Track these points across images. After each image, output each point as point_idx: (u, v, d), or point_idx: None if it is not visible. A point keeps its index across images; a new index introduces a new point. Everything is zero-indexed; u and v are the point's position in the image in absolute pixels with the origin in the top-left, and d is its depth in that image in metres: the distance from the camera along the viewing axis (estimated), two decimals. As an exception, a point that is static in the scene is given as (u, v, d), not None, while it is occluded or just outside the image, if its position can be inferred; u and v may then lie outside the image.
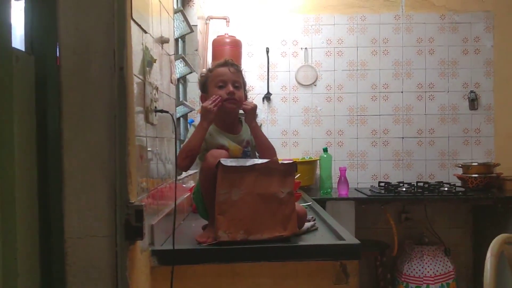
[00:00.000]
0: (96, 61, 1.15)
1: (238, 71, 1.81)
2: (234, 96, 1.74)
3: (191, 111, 2.93)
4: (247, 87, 1.87)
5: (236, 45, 3.40)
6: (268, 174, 1.57)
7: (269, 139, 1.82)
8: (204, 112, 1.70)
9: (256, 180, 1.55)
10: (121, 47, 1.17)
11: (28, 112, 1.10)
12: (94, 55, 1.15)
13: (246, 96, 1.86)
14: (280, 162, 1.66)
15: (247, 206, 1.54)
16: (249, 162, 1.57)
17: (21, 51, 1.10)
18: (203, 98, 1.85)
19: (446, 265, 3.39)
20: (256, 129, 1.79)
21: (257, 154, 1.83)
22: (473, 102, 3.77)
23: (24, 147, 1.07)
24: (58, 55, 1.15)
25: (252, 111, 1.77)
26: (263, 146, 1.79)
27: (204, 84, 1.83)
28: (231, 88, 1.75)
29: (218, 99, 1.70)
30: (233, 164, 1.54)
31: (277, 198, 1.56)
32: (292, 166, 1.63)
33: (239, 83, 1.79)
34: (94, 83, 1.16)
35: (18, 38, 1.17)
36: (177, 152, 1.71)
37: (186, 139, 1.75)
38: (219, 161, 1.53)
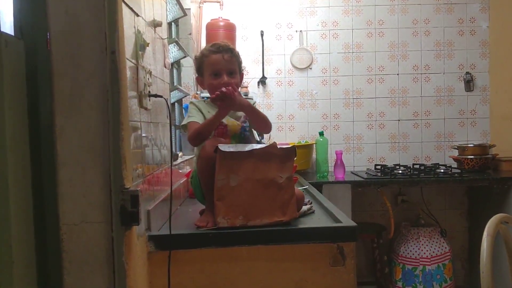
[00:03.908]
0: (87, 45, 1.13)
1: (233, 56, 1.80)
2: (228, 85, 1.73)
3: (185, 96, 2.91)
4: (243, 66, 1.87)
5: (230, 28, 3.36)
6: (266, 159, 1.56)
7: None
8: (222, 106, 1.66)
9: (255, 166, 1.54)
10: (112, 30, 1.15)
11: (19, 97, 1.08)
12: (85, 38, 1.13)
13: (242, 76, 1.87)
14: (278, 146, 1.64)
15: (246, 191, 1.53)
16: (247, 147, 1.56)
17: (10, 35, 1.08)
18: (199, 80, 1.89)
19: (442, 246, 3.41)
20: (248, 109, 1.75)
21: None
22: (469, 84, 3.77)
23: (16, 133, 1.06)
24: (48, 39, 1.13)
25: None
26: (258, 119, 1.77)
27: (200, 67, 1.85)
28: (225, 78, 1.75)
29: (227, 91, 1.65)
30: (231, 149, 1.53)
31: (276, 183, 1.56)
32: (291, 151, 1.61)
33: (234, 70, 1.79)
34: (85, 67, 1.14)
35: (7, 23, 1.15)
36: (172, 137, 1.71)
37: (191, 118, 1.75)
38: (217, 147, 1.52)
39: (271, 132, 3.63)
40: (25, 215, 1.09)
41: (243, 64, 1.90)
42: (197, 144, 1.75)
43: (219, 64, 1.76)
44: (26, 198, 1.10)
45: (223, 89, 1.63)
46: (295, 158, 1.64)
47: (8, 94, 1.02)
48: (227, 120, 1.76)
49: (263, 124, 1.78)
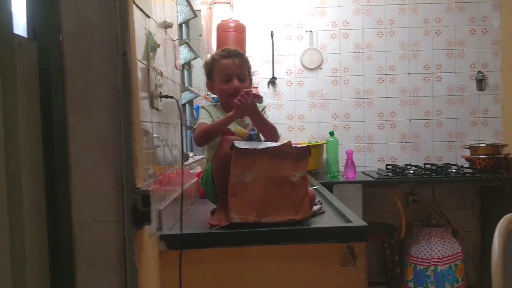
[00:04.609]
0: (99, 46, 1.15)
1: (243, 61, 1.82)
2: (238, 90, 1.74)
3: (196, 97, 2.92)
4: (252, 71, 1.89)
5: (240, 29, 3.37)
6: (281, 157, 1.57)
7: (274, 124, 1.83)
8: (240, 108, 1.68)
9: (269, 163, 1.55)
10: (123, 31, 1.16)
11: (32, 99, 1.10)
12: (97, 40, 1.15)
13: (251, 81, 1.89)
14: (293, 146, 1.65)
15: (260, 188, 1.54)
16: (263, 145, 1.59)
17: (23, 37, 1.10)
18: (209, 86, 1.91)
19: (454, 246, 3.39)
20: (257, 119, 1.76)
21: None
22: (481, 83, 3.73)
23: (29, 133, 1.08)
24: (60, 40, 1.15)
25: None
26: (264, 128, 1.78)
27: (210, 72, 1.87)
28: (236, 83, 1.78)
29: (244, 95, 1.68)
30: (247, 147, 1.56)
31: (289, 181, 1.56)
32: (306, 150, 1.62)
33: (244, 74, 1.82)
34: (97, 68, 1.15)
35: (21, 25, 1.16)
36: (183, 137, 1.72)
37: (201, 119, 1.78)
38: (233, 143, 1.54)
39: (282, 132, 3.65)
40: (38, 215, 1.10)
41: (252, 69, 1.91)
42: (202, 144, 1.76)
43: (230, 69, 1.79)
44: (39, 198, 1.11)
45: (246, 89, 1.67)
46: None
47: (22, 94, 1.04)
48: (235, 128, 1.78)
49: (270, 134, 1.79)
